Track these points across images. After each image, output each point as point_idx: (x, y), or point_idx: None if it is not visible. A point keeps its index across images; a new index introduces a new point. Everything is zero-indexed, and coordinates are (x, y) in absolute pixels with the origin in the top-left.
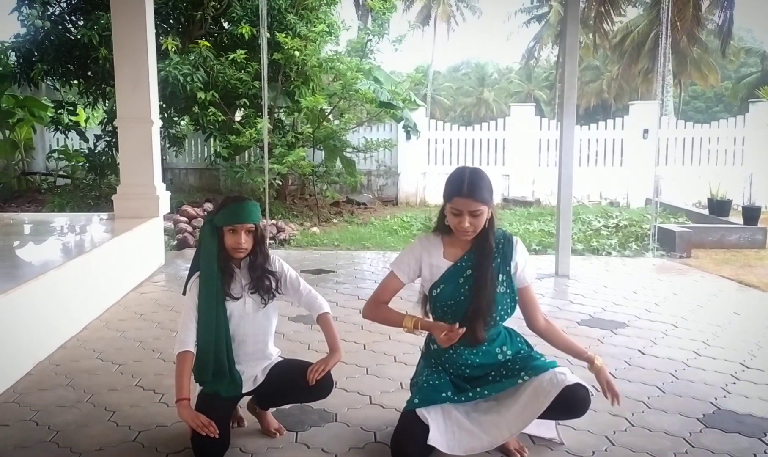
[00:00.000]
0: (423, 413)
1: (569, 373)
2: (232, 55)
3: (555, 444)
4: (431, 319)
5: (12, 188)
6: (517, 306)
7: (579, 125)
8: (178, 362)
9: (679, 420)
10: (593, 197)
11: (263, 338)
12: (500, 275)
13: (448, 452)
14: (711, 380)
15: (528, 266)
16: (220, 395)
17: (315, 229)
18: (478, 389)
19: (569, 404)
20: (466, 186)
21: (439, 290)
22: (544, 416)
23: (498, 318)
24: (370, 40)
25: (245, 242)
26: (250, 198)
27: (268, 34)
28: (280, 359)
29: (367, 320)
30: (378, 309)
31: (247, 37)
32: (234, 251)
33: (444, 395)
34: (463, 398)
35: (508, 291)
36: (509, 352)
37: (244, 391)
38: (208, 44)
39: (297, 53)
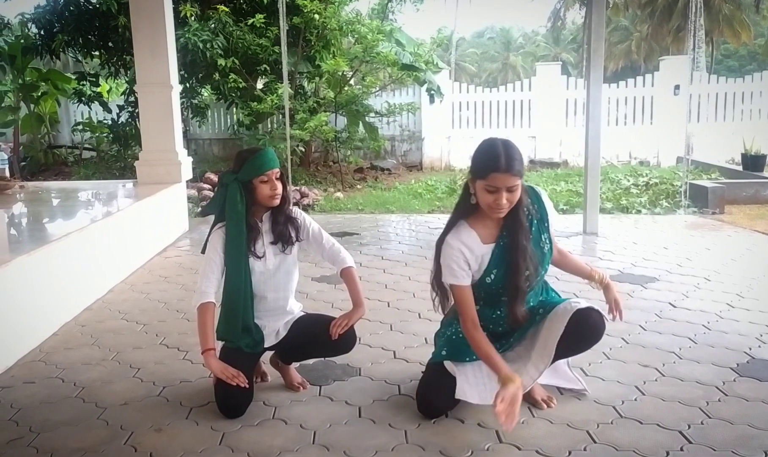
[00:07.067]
0: (451, 365)
1: (584, 302)
2: (251, 21)
3: (582, 395)
4: (481, 304)
5: (39, 162)
6: None
7: (607, 84)
8: (200, 313)
9: (711, 370)
10: (623, 157)
11: (284, 294)
12: (543, 235)
13: (480, 403)
14: (745, 330)
15: (554, 214)
16: (243, 350)
17: (339, 194)
18: (504, 341)
19: (581, 328)
20: (503, 160)
21: (493, 276)
22: (563, 351)
23: (539, 278)
24: (390, 0)
25: (279, 187)
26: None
27: None
28: (303, 313)
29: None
30: (481, 338)
31: (266, 1)
32: (270, 199)
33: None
34: None
35: (550, 247)
36: (540, 299)
37: (266, 345)
38: (227, 9)
39: (317, 16)
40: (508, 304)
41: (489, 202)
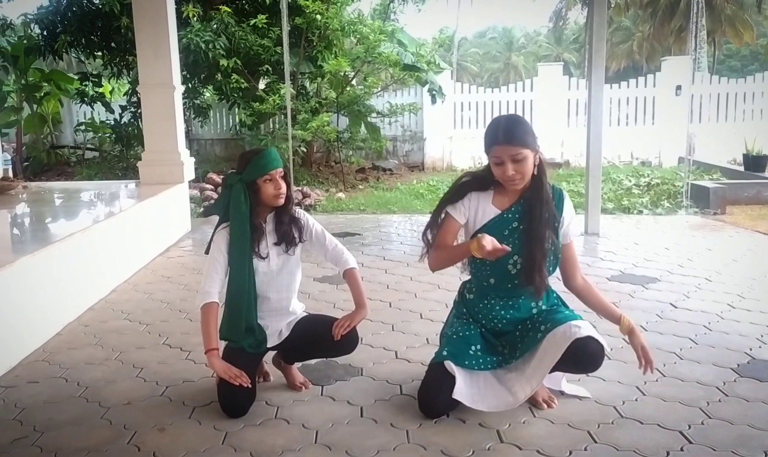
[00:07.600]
0: (451, 365)
1: (586, 326)
2: (253, 21)
3: (583, 396)
4: (469, 275)
5: (41, 162)
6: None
7: (609, 85)
8: (203, 313)
9: (712, 370)
10: (624, 158)
11: (287, 294)
12: (547, 231)
13: (471, 406)
14: (746, 331)
15: (573, 222)
16: (245, 351)
17: (340, 194)
18: (506, 353)
19: (578, 357)
20: (501, 133)
21: None
22: (562, 369)
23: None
24: (392, 0)
25: (283, 186)
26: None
27: None
28: (305, 314)
29: (436, 271)
30: (441, 252)
31: (268, 1)
32: (275, 198)
33: (473, 349)
34: (489, 364)
35: (553, 248)
36: (543, 307)
37: (269, 345)
38: (230, 10)
39: (319, 17)
40: (525, 274)
41: (499, 174)
